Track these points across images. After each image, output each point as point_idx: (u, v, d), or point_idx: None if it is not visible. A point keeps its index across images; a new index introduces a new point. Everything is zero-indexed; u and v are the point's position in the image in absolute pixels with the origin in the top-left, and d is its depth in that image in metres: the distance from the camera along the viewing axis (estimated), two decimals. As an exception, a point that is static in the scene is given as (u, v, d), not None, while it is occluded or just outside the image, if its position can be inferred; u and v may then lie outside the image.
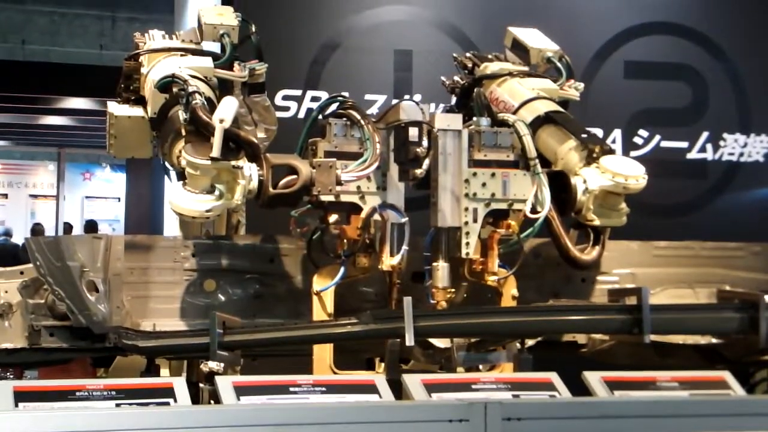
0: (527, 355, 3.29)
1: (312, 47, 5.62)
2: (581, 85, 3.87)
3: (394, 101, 3.48)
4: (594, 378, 2.94)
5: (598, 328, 3.32)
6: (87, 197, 20.38)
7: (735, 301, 3.31)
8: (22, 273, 3.25)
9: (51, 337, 3.19)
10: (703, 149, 6.06)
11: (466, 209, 3.32)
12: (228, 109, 3.03)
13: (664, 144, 5.96)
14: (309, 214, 3.26)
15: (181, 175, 3.12)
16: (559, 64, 3.89)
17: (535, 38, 4.02)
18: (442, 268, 3.31)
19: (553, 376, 2.94)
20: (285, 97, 5.53)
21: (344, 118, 3.29)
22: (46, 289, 3.18)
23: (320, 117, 3.39)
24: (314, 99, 5.60)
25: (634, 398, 2.79)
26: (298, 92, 5.57)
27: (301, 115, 5.58)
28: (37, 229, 15.26)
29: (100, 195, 20.40)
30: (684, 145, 6.01)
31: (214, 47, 3.66)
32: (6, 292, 3.23)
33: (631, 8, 6.04)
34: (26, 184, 20.37)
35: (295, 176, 3.09)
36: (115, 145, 3.70)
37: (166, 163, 3.28)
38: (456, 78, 4.01)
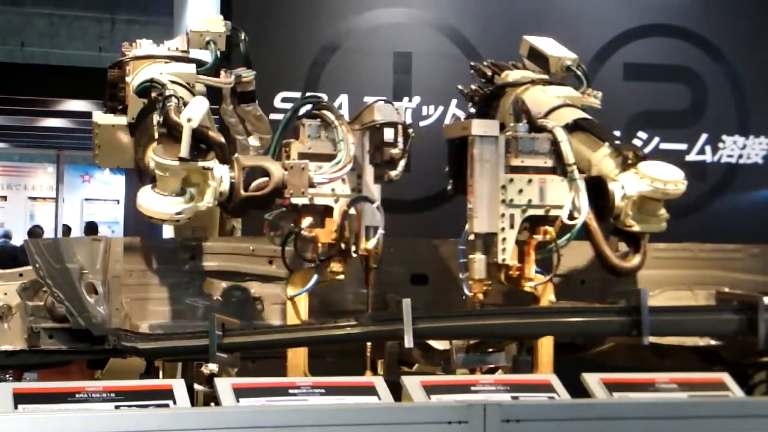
0: (526, 357, 3.30)
1: (311, 49, 5.62)
2: (600, 94, 3.86)
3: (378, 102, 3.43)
4: (593, 379, 2.94)
5: (597, 329, 3.32)
6: (86, 199, 20.37)
7: (734, 302, 3.32)
8: (21, 275, 3.25)
9: (50, 339, 3.19)
10: (702, 151, 6.06)
11: (503, 215, 3.31)
12: (196, 108, 2.98)
13: (663, 146, 5.96)
14: (282, 217, 3.24)
15: (153, 180, 3.10)
16: (578, 72, 3.88)
17: (552, 46, 4.01)
18: (479, 260, 3.29)
19: (552, 378, 2.94)
20: (284, 99, 5.52)
21: (318, 119, 3.26)
22: (46, 291, 3.18)
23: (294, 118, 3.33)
24: (314, 101, 5.60)
25: (632, 400, 2.79)
26: (297, 94, 5.57)
27: (300, 116, 5.57)
28: (34, 232, 15.23)
29: (99, 197, 20.39)
30: (683, 146, 6.02)
31: (202, 55, 3.64)
32: (5, 294, 3.23)
33: (630, 10, 6.05)
34: (25, 186, 20.36)
35: (266, 179, 3.03)
36: (100, 155, 3.65)
37: (141, 168, 3.25)
38: (473, 86, 3.99)
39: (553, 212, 3.34)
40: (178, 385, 2.65)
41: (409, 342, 2.98)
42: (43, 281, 3.14)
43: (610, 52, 5.98)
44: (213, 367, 2.93)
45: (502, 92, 3.79)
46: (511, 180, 3.32)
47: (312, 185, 3.09)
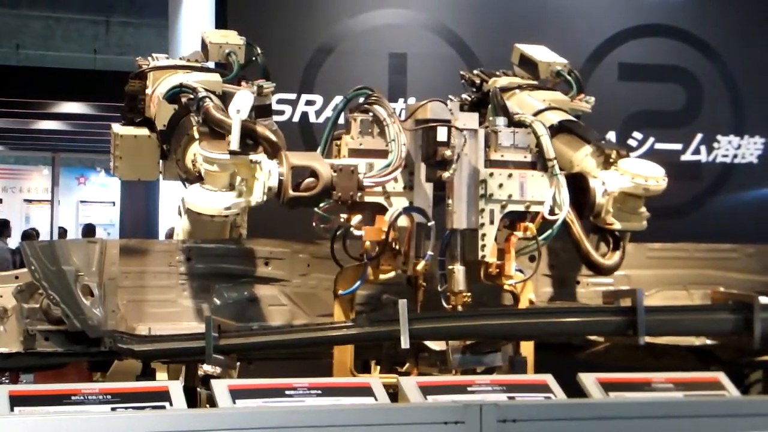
0: (522, 357, 3.29)
1: (307, 51, 5.63)
2: (592, 99, 3.84)
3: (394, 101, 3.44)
4: (589, 379, 2.94)
5: (593, 330, 3.32)
6: (82, 202, 20.37)
7: (729, 302, 3.32)
8: (17, 277, 3.25)
9: (46, 341, 3.19)
10: (697, 151, 6.08)
11: (483, 211, 3.24)
12: (244, 101, 2.94)
13: (659, 146, 5.98)
14: (332, 209, 3.16)
15: (197, 179, 3.08)
16: (569, 77, 3.87)
17: (543, 53, 4.00)
18: (458, 272, 3.23)
19: (549, 378, 2.94)
20: (280, 101, 5.53)
21: (369, 113, 3.20)
22: (41, 293, 3.17)
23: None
24: (309, 102, 5.61)
25: (629, 399, 2.79)
26: (292, 96, 5.58)
27: (296, 118, 5.59)
28: (29, 234, 15.22)
29: (94, 199, 20.38)
30: (678, 147, 6.03)
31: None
32: (1, 296, 3.23)
33: (625, 11, 6.06)
34: (21, 188, 20.34)
35: (314, 179, 2.96)
36: (121, 167, 3.63)
37: (181, 171, 3.23)
38: (464, 96, 3.97)
39: (533, 208, 3.28)
40: (175, 387, 2.65)
41: (405, 343, 2.97)
42: (39, 283, 3.13)
43: (605, 53, 5.99)
44: (208, 368, 2.92)
45: (489, 99, 3.78)
46: (491, 174, 3.25)
47: (361, 188, 3.03)
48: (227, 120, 2.94)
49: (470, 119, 3.28)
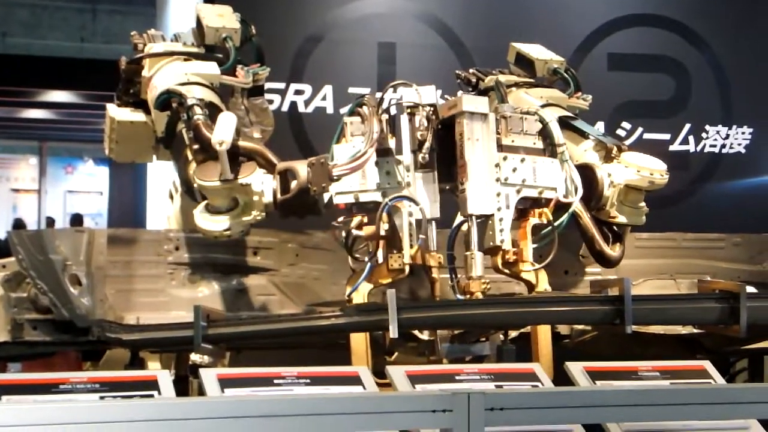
0: (510, 346, 3.30)
1: (296, 40, 5.61)
2: (589, 97, 3.85)
3: (378, 94, 3.43)
4: (576, 368, 2.96)
5: (580, 319, 3.33)
6: (69, 191, 20.28)
7: (716, 291, 3.34)
8: (4, 266, 3.24)
9: (34, 330, 3.18)
10: (685, 141, 6.10)
11: (498, 194, 3.20)
12: (226, 128, 2.99)
13: (647, 136, 5.99)
14: (346, 220, 3.17)
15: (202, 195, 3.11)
16: (566, 75, 3.87)
17: (539, 51, 4.00)
18: (476, 257, 3.14)
19: (536, 367, 2.96)
20: (268, 90, 5.50)
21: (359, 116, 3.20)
22: (29, 282, 3.17)
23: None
24: (297, 92, 5.60)
25: (615, 388, 2.81)
26: (281, 85, 5.56)
27: (285, 108, 5.57)
28: (20, 224, 15.17)
29: (82, 189, 20.30)
30: (666, 137, 6.05)
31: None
32: (-12, 285, 3.22)
33: (614, 1, 6.07)
34: (7, 178, 20.25)
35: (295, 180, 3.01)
36: (117, 150, 3.63)
37: (189, 183, 3.22)
38: (460, 94, 3.96)
39: (546, 194, 3.26)
40: (163, 376, 2.65)
41: (394, 332, 2.98)
42: (27, 273, 3.13)
43: (595, 43, 5.99)
44: (197, 357, 2.93)
45: (487, 96, 3.77)
46: (505, 158, 3.21)
47: (332, 179, 3.04)
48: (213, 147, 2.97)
49: (480, 103, 3.24)
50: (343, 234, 3.19)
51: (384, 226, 3.10)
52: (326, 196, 3.10)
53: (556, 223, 3.26)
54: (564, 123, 3.53)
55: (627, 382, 2.91)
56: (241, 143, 3.07)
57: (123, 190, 14.63)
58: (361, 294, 3.16)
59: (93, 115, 14.31)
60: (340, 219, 3.18)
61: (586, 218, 3.40)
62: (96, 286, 3.22)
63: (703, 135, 6.10)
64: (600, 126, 5.78)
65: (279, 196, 3.04)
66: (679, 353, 3.50)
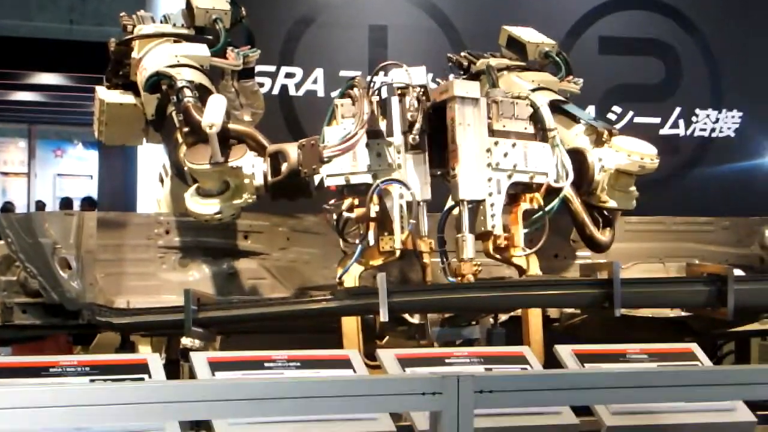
0: (500, 330, 3.32)
1: (286, 23, 5.59)
2: (580, 81, 3.84)
3: (369, 76, 3.42)
4: (565, 351, 2.98)
5: (569, 302, 3.35)
6: (59, 175, 20.19)
7: (704, 274, 3.36)
8: (-7, 250, 3.24)
9: (24, 314, 3.18)
10: (675, 125, 6.11)
11: (490, 179, 3.19)
12: (215, 111, 2.98)
13: (638, 119, 6.00)
14: (337, 203, 3.17)
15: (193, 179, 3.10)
16: (557, 59, 3.86)
17: (531, 34, 3.98)
18: (468, 239, 3.13)
19: (525, 350, 2.97)
20: (259, 73, 5.48)
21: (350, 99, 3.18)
22: (18, 266, 3.16)
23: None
24: (288, 75, 5.58)
25: (603, 370, 2.83)
26: (272, 68, 5.54)
27: (275, 91, 5.55)
28: (7, 207, 15.09)
29: (72, 173, 20.21)
30: (657, 120, 6.06)
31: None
32: (-23, 269, 3.21)
33: (605, -17, 6.06)
34: (-4, 161, 20.14)
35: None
36: (106, 132, 3.62)
37: (179, 167, 3.21)
38: (452, 77, 3.94)
39: (537, 179, 3.25)
40: (153, 360, 2.66)
41: (384, 316, 2.99)
42: (16, 256, 3.13)
43: (586, 26, 5.99)
44: (187, 341, 2.93)
45: (478, 80, 3.77)
46: (496, 143, 3.21)
47: (322, 161, 3.03)
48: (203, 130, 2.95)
49: (471, 88, 3.22)
50: (334, 217, 3.19)
51: (374, 209, 3.09)
52: (317, 179, 3.09)
53: (546, 208, 3.26)
54: (555, 107, 3.53)
55: (615, 365, 2.94)
56: (232, 126, 3.06)
57: (113, 173, 14.57)
58: (352, 276, 3.16)
59: (82, 98, 14.22)
60: (332, 202, 3.18)
61: (576, 203, 3.41)
62: (86, 269, 3.21)
63: (693, 119, 6.11)
64: (591, 110, 5.78)
65: (270, 178, 3.03)
66: (667, 336, 3.52)
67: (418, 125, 3.15)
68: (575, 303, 3.34)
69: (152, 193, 5.22)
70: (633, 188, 3.50)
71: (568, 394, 2.36)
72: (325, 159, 3.04)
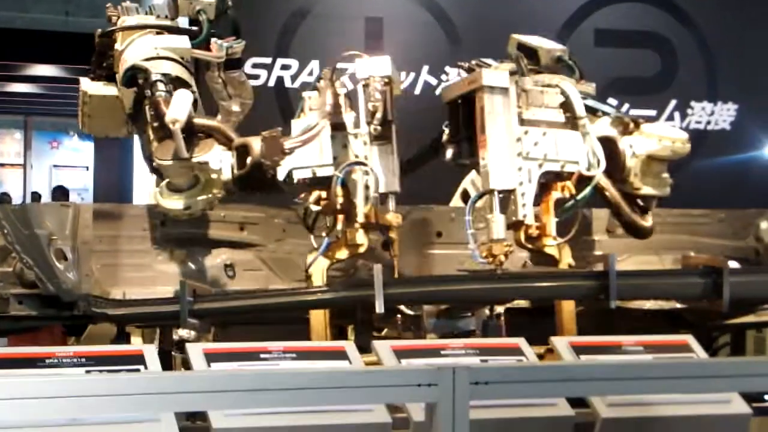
0: (496, 321, 3.32)
1: (282, 15, 5.58)
2: (593, 85, 3.83)
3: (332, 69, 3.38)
4: (561, 342, 2.98)
5: (565, 294, 3.35)
6: (55, 166, 20.14)
7: (699, 267, 3.36)
8: (-12, 241, 3.23)
9: (20, 304, 3.18)
10: (671, 117, 6.12)
11: (520, 169, 3.16)
12: (179, 107, 2.96)
13: (633, 112, 6.00)
14: (306, 198, 3.17)
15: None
16: (569, 62, 3.84)
17: (540, 41, 3.97)
18: (498, 219, 3.10)
19: (521, 342, 2.98)
20: (255, 65, 5.49)
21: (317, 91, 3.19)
22: (14, 257, 3.16)
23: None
24: (284, 67, 5.58)
25: (599, 362, 2.84)
26: (267, 60, 5.54)
27: (271, 83, 5.55)
28: (3, 199, 15.06)
29: (68, 164, 20.17)
30: (652, 113, 6.06)
31: (186, 21, 3.58)
32: (-27, 260, 3.21)
33: (601, -24, 6.06)
34: (-8, 152, 20.09)
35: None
36: (89, 123, 3.62)
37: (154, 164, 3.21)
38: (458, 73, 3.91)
39: (568, 167, 3.22)
40: (149, 350, 2.66)
41: (380, 307, 2.99)
42: (12, 247, 3.12)
43: (582, 18, 5.99)
44: (183, 332, 2.93)
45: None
46: (526, 132, 3.17)
47: (284, 152, 3.03)
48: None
49: (500, 77, 3.21)
50: (302, 210, 3.19)
51: (339, 199, 3.08)
52: (280, 171, 3.08)
53: (578, 197, 3.23)
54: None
55: (611, 357, 2.94)
56: (198, 120, 3.04)
57: (109, 165, 14.55)
58: (319, 270, 3.16)
59: (78, 90, 14.19)
60: (302, 195, 3.17)
61: (612, 190, 3.35)
62: (82, 260, 3.21)
63: (689, 111, 6.12)
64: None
65: (236, 171, 3.02)
66: (663, 328, 3.53)
67: (379, 115, 3.13)
68: (571, 295, 3.34)
69: (148, 185, 5.22)
70: (666, 174, 3.47)
71: (564, 385, 2.37)
72: (287, 150, 3.04)
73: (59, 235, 3.16)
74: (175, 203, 3.05)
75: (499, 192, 3.14)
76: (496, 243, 3.11)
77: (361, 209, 3.09)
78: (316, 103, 3.17)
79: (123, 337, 3.35)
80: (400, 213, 3.22)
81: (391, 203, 3.19)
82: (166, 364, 3.23)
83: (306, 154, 3.10)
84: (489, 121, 3.14)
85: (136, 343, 3.29)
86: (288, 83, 5.60)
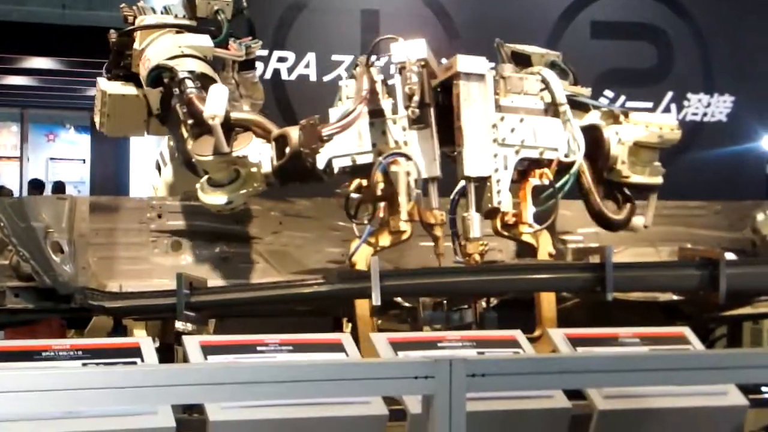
0: (492, 314, 3.32)
1: (278, 8, 5.58)
2: (589, 90, 3.82)
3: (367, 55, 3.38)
4: (557, 335, 2.98)
5: (561, 286, 3.35)
6: (51, 159, 20.10)
7: (696, 258, 3.36)
8: (-15, 234, 3.22)
9: (16, 297, 3.18)
10: (667, 109, 6.13)
11: (496, 155, 3.14)
12: (217, 101, 2.96)
13: (630, 104, 6.01)
14: (347, 186, 3.15)
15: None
16: (564, 66, 3.84)
17: (533, 48, 3.96)
18: (473, 218, 3.09)
19: (517, 334, 2.98)
20: (251, 58, 5.46)
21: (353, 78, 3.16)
22: (11, 250, 3.16)
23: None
24: (281, 59, 5.57)
25: (595, 354, 2.84)
26: (264, 52, 5.53)
27: (268, 75, 5.55)
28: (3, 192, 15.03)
29: (64, 157, 20.13)
30: (649, 105, 6.07)
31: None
32: (-31, 253, 3.21)
33: (598, -32, 6.06)
34: (-12, 145, 20.04)
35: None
36: (108, 124, 3.60)
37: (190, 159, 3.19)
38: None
39: (547, 154, 3.20)
40: (146, 343, 2.66)
41: (376, 299, 2.99)
42: (8, 240, 3.12)
43: (578, 11, 5.98)
44: (180, 325, 2.93)
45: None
46: (502, 118, 3.15)
47: (322, 140, 3.00)
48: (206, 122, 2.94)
49: (477, 63, 3.17)
50: (344, 199, 3.17)
51: (380, 186, 3.04)
52: (320, 159, 3.06)
53: (558, 184, 3.21)
54: (570, 102, 3.50)
55: (607, 349, 2.94)
56: (236, 114, 3.05)
57: (105, 157, 14.54)
58: (363, 257, 3.12)
59: (75, 83, 14.15)
60: (345, 185, 3.16)
61: (587, 177, 3.32)
62: (78, 253, 3.21)
63: (685, 103, 6.12)
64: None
65: (275, 162, 3.02)
66: (660, 320, 3.53)
67: (416, 98, 3.08)
68: (567, 287, 3.34)
69: (146, 178, 5.21)
70: (658, 163, 3.43)
71: (561, 377, 2.37)
72: (325, 137, 3.01)
73: (56, 228, 3.16)
74: (217, 198, 3.04)
75: (474, 180, 3.11)
76: (472, 242, 3.10)
77: (404, 207, 3.05)
78: (353, 90, 3.14)
79: (120, 330, 3.35)
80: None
81: (433, 191, 3.13)
82: (169, 357, 3.24)
83: (345, 142, 3.08)
84: (464, 108, 3.11)
85: (139, 336, 3.30)
86: (284, 75, 5.60)
